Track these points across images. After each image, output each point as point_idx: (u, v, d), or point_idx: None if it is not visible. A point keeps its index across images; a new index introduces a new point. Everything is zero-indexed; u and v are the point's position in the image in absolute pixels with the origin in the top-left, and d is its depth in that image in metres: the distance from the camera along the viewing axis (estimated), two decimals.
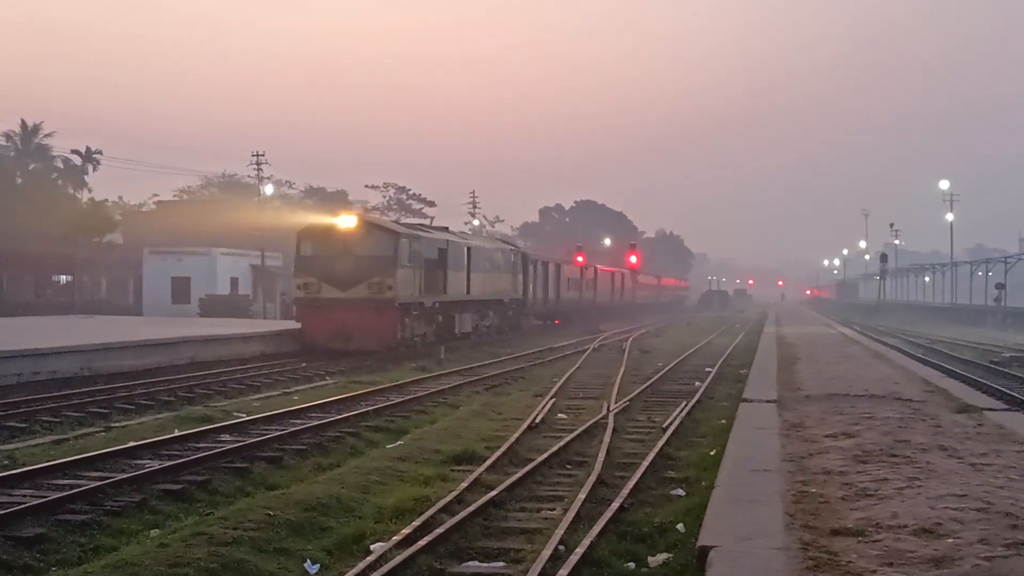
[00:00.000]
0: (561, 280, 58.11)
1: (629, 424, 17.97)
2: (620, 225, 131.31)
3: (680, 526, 10.33)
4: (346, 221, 32.61)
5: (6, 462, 13.31)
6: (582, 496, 11.36)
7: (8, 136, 72.68)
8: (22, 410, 17.97)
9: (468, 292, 38.89)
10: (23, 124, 72.44)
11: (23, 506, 10.58)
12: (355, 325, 30.76)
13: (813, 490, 9.16)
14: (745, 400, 16.91)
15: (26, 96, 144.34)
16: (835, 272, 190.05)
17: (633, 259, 70.24)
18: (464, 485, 12.11)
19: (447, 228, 42.67)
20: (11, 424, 16.80)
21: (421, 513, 10.68)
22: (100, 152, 74.62)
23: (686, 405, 19.95)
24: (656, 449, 14.71)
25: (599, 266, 71.67)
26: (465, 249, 38.91)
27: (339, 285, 31.29)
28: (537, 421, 17.90)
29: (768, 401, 16.53)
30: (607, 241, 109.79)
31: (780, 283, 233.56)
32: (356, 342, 30.98)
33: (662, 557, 9.49)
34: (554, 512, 11.08)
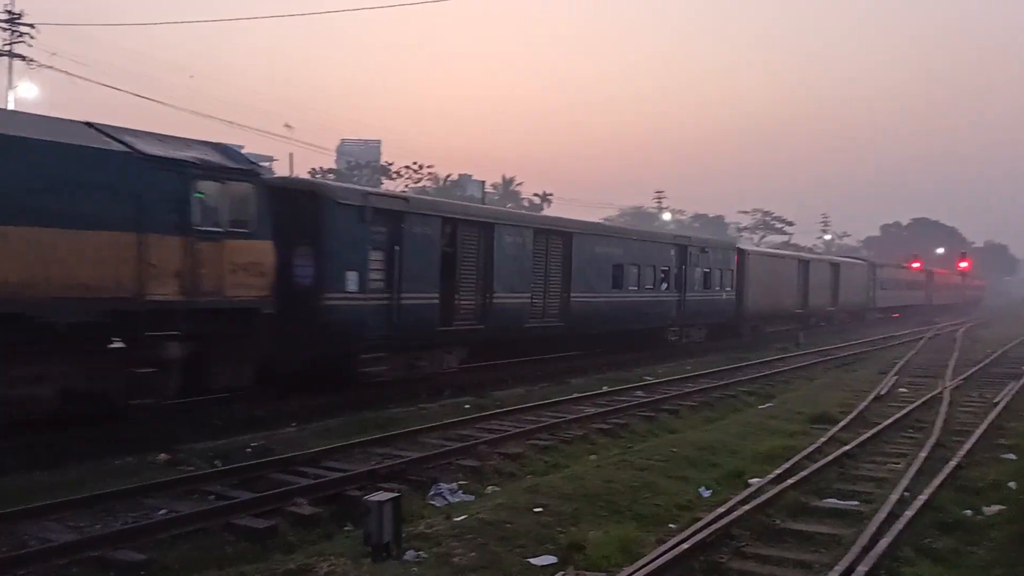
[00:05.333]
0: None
1: (963, 399, 19.35)
2: (951, 238, 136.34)
3: (1012, 484, 11.36)
4: None
5: None
6: (923, 454, 12.60)
7: (495, 186, 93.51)
8: None
9: None
10: (503, 177, 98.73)
11: None
12: None
13: None
14: None
15: (503, 157, 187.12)
16: None
17: (963, 264, 76.27)
18: (823, 439, 13.96)
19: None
20: None
21: (789, 458, 12.42)
22: (552, 193, 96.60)
23: (1015, 385, 21.08)
24: (988, 420, 15.97)
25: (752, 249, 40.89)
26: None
27: None
28: (882, 393, 19.72)
29: None
30: (940, 251, 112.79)
31: None
32: None
33: (996, 508, 10.35)
34: (899, 466, 12.28)
